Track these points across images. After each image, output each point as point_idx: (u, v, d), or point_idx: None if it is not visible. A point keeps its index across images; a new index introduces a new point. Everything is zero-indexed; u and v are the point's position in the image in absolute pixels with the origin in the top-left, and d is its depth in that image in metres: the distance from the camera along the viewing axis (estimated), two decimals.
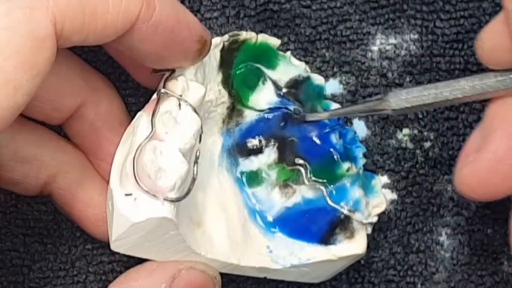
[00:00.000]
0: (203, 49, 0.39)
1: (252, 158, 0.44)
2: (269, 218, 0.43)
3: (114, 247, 0.39)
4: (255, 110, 0.44)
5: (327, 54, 0.46)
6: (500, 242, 0.46)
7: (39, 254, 0.46)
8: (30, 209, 0.46)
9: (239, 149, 0.44)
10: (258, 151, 0.44)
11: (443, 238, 0.46)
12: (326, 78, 0.45)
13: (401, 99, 0.40)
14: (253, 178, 0.44)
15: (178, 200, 0.38)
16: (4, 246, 0.46)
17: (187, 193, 0.39)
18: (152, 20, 0.36)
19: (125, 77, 0.45)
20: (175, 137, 0.38)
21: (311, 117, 0.44)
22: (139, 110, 0.45)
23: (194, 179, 0.39)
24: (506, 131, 0.38)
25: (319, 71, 0.45)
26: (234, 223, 0.43)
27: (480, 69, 0.45)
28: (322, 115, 0.44)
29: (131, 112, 0.44)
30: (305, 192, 0.44)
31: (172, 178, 0.38)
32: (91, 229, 0.44)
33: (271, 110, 0.44)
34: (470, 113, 0.46)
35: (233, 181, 0.44)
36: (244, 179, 0.44)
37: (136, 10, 0.36)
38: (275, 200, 0.44)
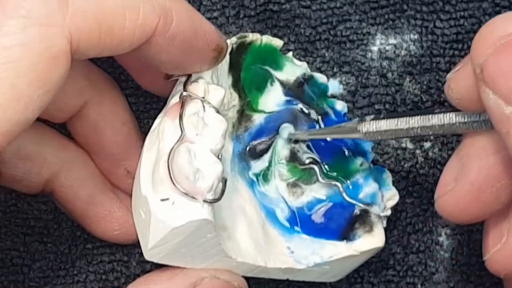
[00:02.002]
0: (219, 56, 0.39)
1: (264, 157, 0.44)
2: (284, 217, 0.43)
3: (149, 256, 0.39)
4: (265, 112, 0.44)
5: (327, 54, 0.46)
6: None
7: (39, 253, 0.46)
8: (30, 208, 0.46)
9: (250, 153, 0.44)
10: (268, 150, 0.44)
11: (442, 238, 0.46)
12: (326, 78, 0.45)
13: (373, 131, 0.40)
14: (264, 175, 0.44)
15: (215, 201, 0.38)
16: (4, 245, 0.46)
17: (222, 194, 0.38)
18: (169, 33, 0.36)
19: (125, 77, 0.45)
20: (206, 138, 0.38)
21: (290, 135, 0.44)
22: (139, 110, 0.45)
23: (225, 180, 0.39)
24: (483, 161, 0.37)
25: (319, 71, 0.45)
26: (255, 226, 0.42)
27: None
28: (300, 136, 0.44)
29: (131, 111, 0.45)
30: (317, 190, 0.44)
31: (210, 178, 0.37)
32: (93, 227, 0.44)
33: (279, 111, 0.44)
34: None
35: (247, 184, 0.43)
36: (256, 180, 0.44)
37: (153, 24, 0.35)
38: (285, 197, 0.44)
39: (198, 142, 0.38)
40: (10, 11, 0.33)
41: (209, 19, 0.45)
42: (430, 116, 0.39)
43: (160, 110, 0.41)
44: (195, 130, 0.38)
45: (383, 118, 0.40)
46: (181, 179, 0.37)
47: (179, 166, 0.37)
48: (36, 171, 0.42)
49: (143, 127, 0.45)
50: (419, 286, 0.46)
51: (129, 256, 0.46)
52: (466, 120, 0.38)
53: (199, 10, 0.45)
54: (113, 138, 0.43)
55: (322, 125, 0.44)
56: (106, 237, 0.44)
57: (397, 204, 0.45)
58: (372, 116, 0.40)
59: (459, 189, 0.38)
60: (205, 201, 0.37)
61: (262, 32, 0.45)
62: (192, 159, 0.37)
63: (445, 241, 0.46)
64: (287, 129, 0.44)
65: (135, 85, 0.45)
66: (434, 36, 0.46)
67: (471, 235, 0.46)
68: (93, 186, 0.43)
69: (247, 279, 0.42)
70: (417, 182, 0.46)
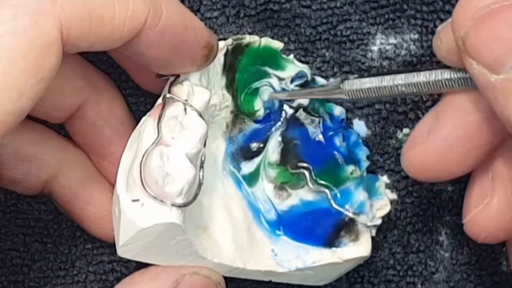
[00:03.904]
0: (209, 54, 0.39)
1: (255, 160, 0.44)
2: (271, 220, 0.43)
3: (121, 252, 0.39)
4: (259, 115, 0.44)
5: (327, 54, 0.46)
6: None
7: (39, 253, 0.46)
8: (30, 209, 0.46)
9: (243, 153, 0.44)
10: (260, 152, 0.44)
11: (442, 238, 0.46)
12: (327, 78, 0.45)
13: (356, 89, 0.40)
14: (253, 176, 0.44)
15: (185, 205, 0.38)
16: (4, 245, 0.46)
17: (194, 198, 0.39)
18: (159, 26, 0.36)
19: (125, 77, 0.45)
20: (182, 142, 0.38)
21: (271, 97, 0.43)
22: (139, 110, 0.45)
23: (200, 184, 0.39)
24: (459, 119, 0.38)
25: (319, 71, 0.45)
26: (239, 227, 0.43)
27: None
28: (280, 95, 0.43)
29: (131, 111, 0.45)
30: (304, 194, 0.44)
31: (180, 183, 0.37)
32: (92, 228, 0.44)
33: (274, 114, 0.44)
34: None
35: (236, 185, 0.44)
36: (245, 180, 0.44)
37: (143, 17, 0.36)
38: (271, 200, 0.44)
39: (173, 146, 0.38)
40: (0, 0, 0.33)
41: (209, 18, 0.45)
42: (416, 73, 0.39)
43: None
44: (171, 133, 0.38)
45: (367, 76, 0.40)
46: (151, 182, 0.37)
47: (150, 169, 0.37)
48: (35, 172, 0.42)
49: None
50: (419, 285, 0.46)
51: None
52: (452, 76, 0.38)
53: (199, 10, 0.45)
54: (112, 137, 0.43)
55: (321, 129, 0.44)
56: (106, 237, 0.44)
57: (397, 204, 0.45)
58: (356, 75, 0.40)
59: (431, 143, 0.38)
60: (173, 205, 0.37)
61: (262, 32, 0.45)
62: (164, 163, 0.37)
63: (445, 241, 0.46)
64: (267, 90, 0.44)
65: (135, 85, 0.45)
66: (434, 35, 0.46)
67: None
68: (91, 187, 0.43)
69: (248, 280, 0.42)
70: (417, 182, 0.46)
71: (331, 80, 0.44)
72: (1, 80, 0.32)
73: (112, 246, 0.45)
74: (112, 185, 0.44)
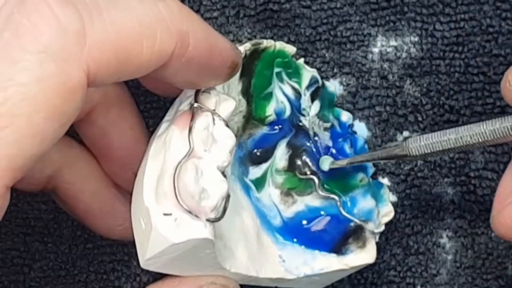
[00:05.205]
0: (233, 71, 0.39)
1: (262, 165, 0.44)
2: (277, 225, 0.43)
3: (145, 265, 0.38)
4: (270, 120, 0.44)
5: (327, 54, 0.46)
6: (504, 246, 0.46)
7: (39, 253, 0.46)
8: (30, 208, 0.46)
9: (250, 158, 0.44)
10: (268, 158, 0.44)
11: (444, 240, 0.46)
12: (326, 78, 0.46)
13: (420, 145, 0.39)
14: (260, 182, 0.44)
15: (217, 220, 0.37)
16: (4, 245, 0.46)
17: (224, 212, 0.38)
18: (185, 57, 0.36)
19: None
20: (214, 154, 0.37)
21: (332, 165, 0.43)
22: (139, 110, 0.45)
23: (229, 196, 0.38)
24: None
25: (319, 71, 0.45)
26: (250, 234, 0.42)
27: (480, 72, 0.46)
28: (341, 163, 0.43)
29: None
30: (310, 201, 0.44)
31: (215, 198, 0.37)
32: (96, 223, 0.44)
33: (284, 121, 0.44)
34: (471, 116, 0.46)
35: (244, 190, 0.43)
36: (252, 185, 0.43)
37: (170, 50, 0.35)
38: (277, 205, 0.43)
39: (205, 158, 0.37)
40: (27, 46, 0.32)
41: (209, 19, 0.45)
42: (479, 122, 0.38)
43: (160, 110, 0.41)
44: (204, 146, 0.37)
45: (427, 133, 0.39)
46: (186, 197, 0.36)
47: (185, 184, 0.36)
48: (39, 168, 0.42)
49: None
50: (418, 287, 0.46)
51: (129, 255, 0.46)
52: None
53: (199, 10, 0.46)
54: (120, 142, 0.43)
55: (330, 135, 0.44)
56: (110, 233, 0.44)
57: (396, 206, 0.45)
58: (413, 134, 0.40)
59: None
60: (208, 220, 0.37)
61: (262, 32, 0.45)
62: (199, 177, 0.37)
63: (447, 243, 0.46)
64: (327, 160, 0.43)
65: (135, 84, 0.45)
66: (434, 38, 0.46)
67: (475, 237, 0.46)
68: (95, 182, 0.43)
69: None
70: (415, 185, 0.46)
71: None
72: (25, 128, 0.32)
73: (113, 245, 0.46)
74: (120, 187, 0.44)
